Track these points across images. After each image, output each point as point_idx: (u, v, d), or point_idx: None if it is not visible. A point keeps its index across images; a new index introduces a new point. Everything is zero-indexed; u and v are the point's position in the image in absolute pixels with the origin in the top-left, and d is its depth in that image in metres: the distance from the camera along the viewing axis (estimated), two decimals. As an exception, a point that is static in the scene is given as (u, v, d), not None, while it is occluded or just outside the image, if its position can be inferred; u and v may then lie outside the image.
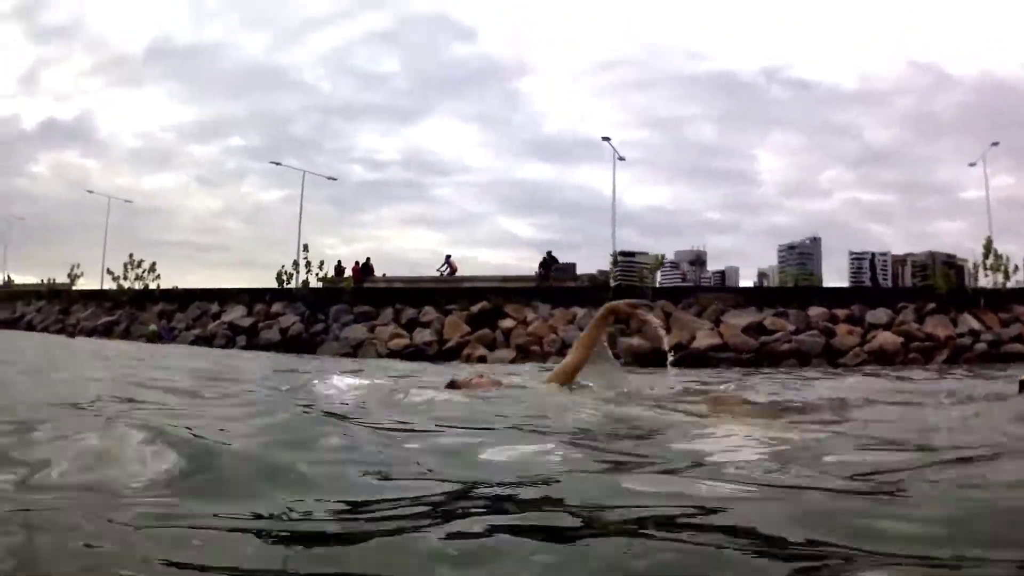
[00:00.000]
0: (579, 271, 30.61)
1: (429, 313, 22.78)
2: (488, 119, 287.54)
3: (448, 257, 29.46)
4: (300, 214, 30.61)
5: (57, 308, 34.49)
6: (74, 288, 35.18)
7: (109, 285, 32.94)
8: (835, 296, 24.84)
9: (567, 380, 4.42)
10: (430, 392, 4.24)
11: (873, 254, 40.36)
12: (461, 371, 7.34)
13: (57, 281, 36.34)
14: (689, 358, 21.12)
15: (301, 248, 26.54)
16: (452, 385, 4.54)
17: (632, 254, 54.20)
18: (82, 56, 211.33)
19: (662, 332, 5.22)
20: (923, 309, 24.18)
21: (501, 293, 22.96)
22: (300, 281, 25.98)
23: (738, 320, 22.41)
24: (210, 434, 2.32)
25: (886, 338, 22.92)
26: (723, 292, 23.85)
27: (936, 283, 26.70)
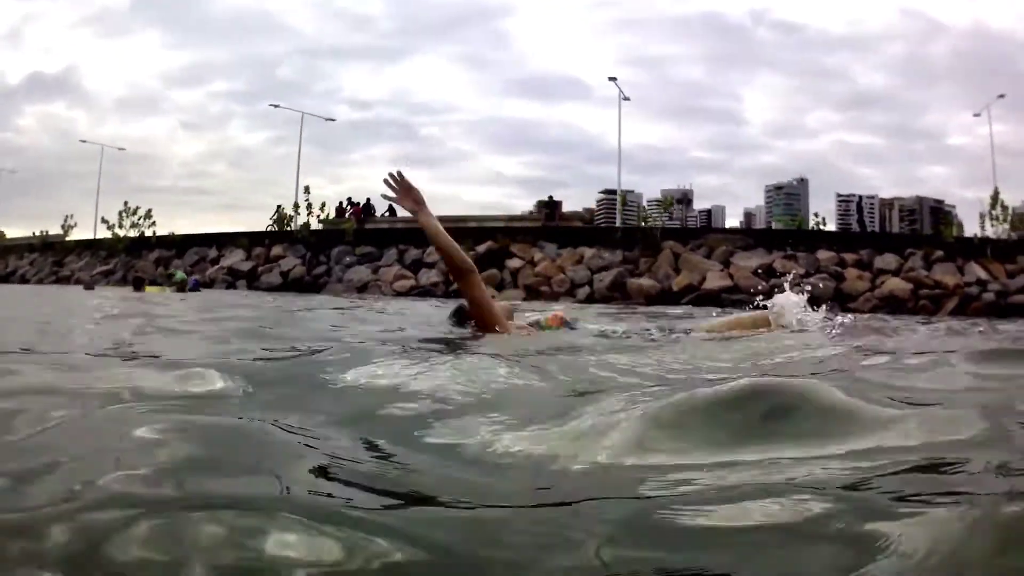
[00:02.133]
0: (565, 209, 29.91)
1: (434, 254, 22.28)
2: (473, 59, 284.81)
3: (349, 200, 27.81)
4: (299, 156, 29.97)
5: (51, 260, 33.88)
6: (67, 239, 34.47)
7: (103, 234, 32.29)
8: (843, 240, 24.59)
9: None
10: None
11: (860, 197, 39.88)
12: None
13: (50, 233, 35.58)
14: (699, 299, 20.89)
15: (302, 190, 25.94)
16: (460, 312, 3.85)
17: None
18: (68, 10, 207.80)
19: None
20: (931, 256, 24.03)
21: (506, 233, 22.52)
22: (300, 223, 25.40)
23: (748, 262, 22.09)
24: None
25: (896, 284, 22.75)
26: (732, 234, 23.49)
27: (945, 232, 26.51)
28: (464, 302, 3.85)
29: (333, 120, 38.75)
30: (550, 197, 23.51)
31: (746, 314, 4.20)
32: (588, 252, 21.39)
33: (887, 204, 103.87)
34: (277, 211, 26.84)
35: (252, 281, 24.38)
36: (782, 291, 4.35)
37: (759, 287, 21.27)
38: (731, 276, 21.67)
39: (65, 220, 34.27)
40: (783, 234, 23.34)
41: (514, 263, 21.47)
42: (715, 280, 21.42)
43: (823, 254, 23.12)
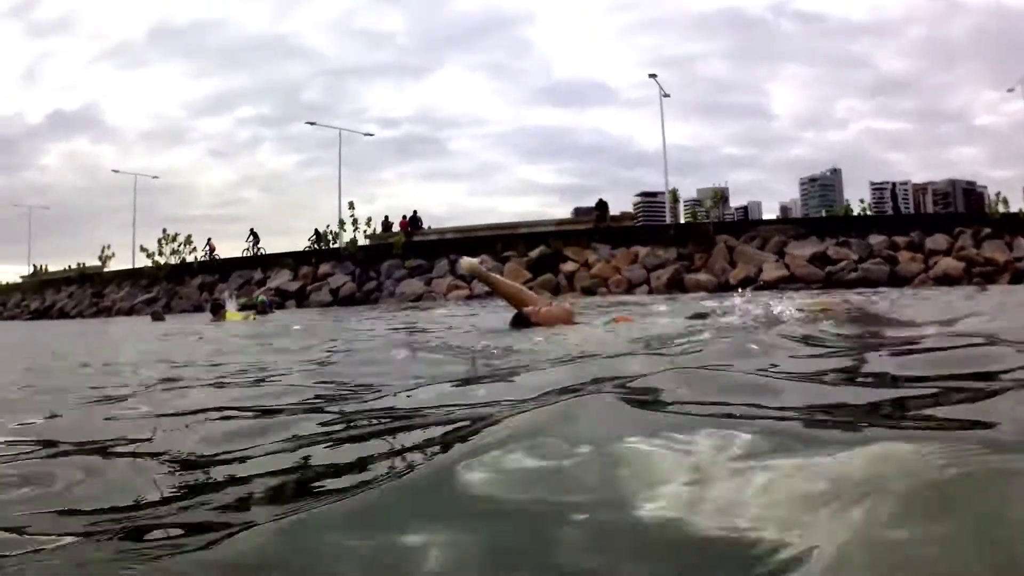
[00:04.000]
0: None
1: (486, 261, 22.23)
2: (498, 69, 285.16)
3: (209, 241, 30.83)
4: (339, 173, 30.00)
5: (90, 292, 33.99)
6: (105, 270, 34.61)
7: (141, 263, 32.43)
8: (893, 224, 24.47)
9: None
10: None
11: (894, 184, 39.66)
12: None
13: (87, 265, 35.74)
14: (758, 290, 20.77)
15: (346, 206, 25.91)
16: (519, 317, 4.11)
17: (654, 194, 53.30)
18: (84, 46, 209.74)
19: None
20: (979, 234, 23.93)
21: (558, 236, 22.46)
22: (347, 240, 25.39)
23: (802, 251, 21.98)
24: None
25: (948, 263, 22.65)
26: (783, 224, 23.37)
27: (991, 210, 26.39)
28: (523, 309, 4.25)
29: (371, 135, 38.88)
30: (600, 200, 23.48)
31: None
32: (642, 251, 21.31)
33: (920, 189, 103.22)
34: (316, 234, 26.94)
35: (301, 300, 24.39)
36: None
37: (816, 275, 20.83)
38: (787, 266, 21.54)
39: (103, 251, 34.40)
40: (834, 221, 23.19)
41: (568, 266, 21.41)
42: (772, 271, 21.29)
43: (875, 239, 22.99)
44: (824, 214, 29.17)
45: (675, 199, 22.35)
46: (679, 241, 21.44)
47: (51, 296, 36.39)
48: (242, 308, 21.90)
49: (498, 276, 4.53)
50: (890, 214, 28.15)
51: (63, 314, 33.61)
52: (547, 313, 4.11)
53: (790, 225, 23.04)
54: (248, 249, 29.93)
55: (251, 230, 29.92)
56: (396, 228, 25.58)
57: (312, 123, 32.73)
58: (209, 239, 30.79)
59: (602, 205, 23.64)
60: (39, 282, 38.66)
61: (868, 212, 24.42)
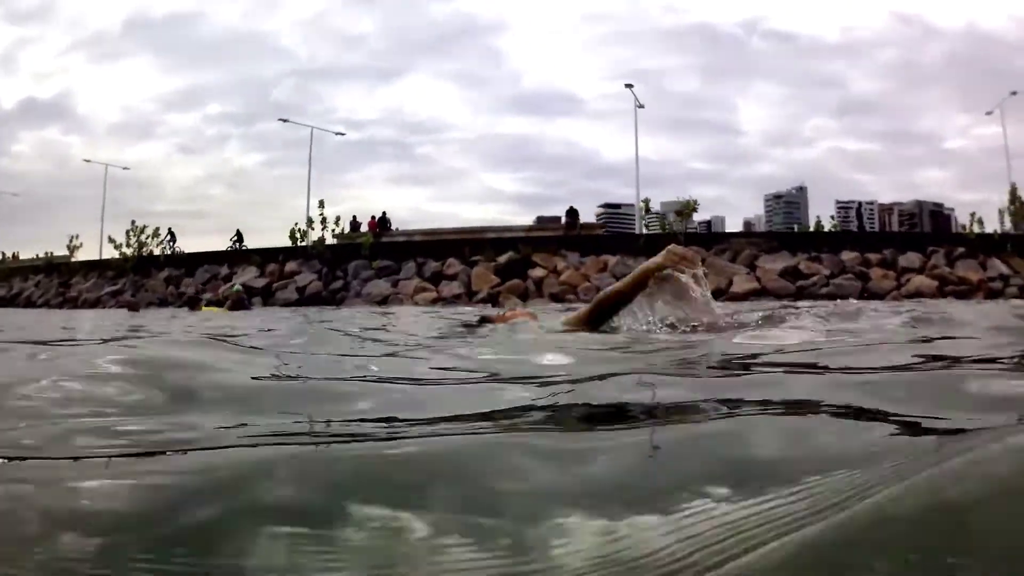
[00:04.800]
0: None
1: (454, 265, 21.96)
2: (468, 76, 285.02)
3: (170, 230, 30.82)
4: (309, 172, 29.51)
5: (57, 282, 33.34)
6: (73, 259, 33.95)
7: (109, 255, 31.80)
8: (865, 241, 24.40)
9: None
10: None
11: (859, 203, 39.81)
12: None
13: (55, 254, 35.05)
14: (728, 303, 20.58)
15: (315, 204, 25.49)
16: (486, 321, 4.16)
17: (618, 206, 53.36)
18: (60, 35, 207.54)
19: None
20: (952, 253, 23.95)
21: (527, 242, 22.15)
22: (315, 238, 24.95)
23: (773, 265, 21.82)
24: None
25: (921, 281, 22.58)
26: (755, 237, 23.20)
27: (967, 231, 26.44)
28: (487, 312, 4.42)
29: (343, 135, 38.51)
30: (571, 207, 23.17)
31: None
32: (612, 260, 21.04)
33: (886, 209, 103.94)
34: (237, 234, 26.89)
35: (267, 298, 23.92)
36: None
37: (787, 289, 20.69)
38: (758, 279, 21.36)
39: (71, 240, 33.70)
40: (806, 236, 23.05)
41: (537, 272, 21.10)
42: (743, 283, 21.11)
43: (847, 255, 22.88)
44: (796, 229, 29.11)
45: (647, 210, 22.10)
46: (648, 251, 21.16)
47: (18, 284, 35.65)
48: (214, 303, 21.49)
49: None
50: (862, 231, 28.08)
51: (30, 303, 32.91)
52: (511, 315, 4.11)
53: (762, 239, 22.86)
54: (233, 247, 29.90)
55: (237, 231, 30.28)
56: (364, 228, 25.21)
57: (284, 120, 32.26)
58: (170, 228, 30.64)
59: (573, 213, 23.35)
60: (7, 269, 37.90)
61: (838, 229, 24.24)
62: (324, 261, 23.72)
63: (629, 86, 24.42)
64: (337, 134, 35.98)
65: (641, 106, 23.99)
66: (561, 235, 22.83)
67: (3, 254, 40.41)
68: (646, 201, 22.06)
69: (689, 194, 24.24)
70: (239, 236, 30.61)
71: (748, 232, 26.62)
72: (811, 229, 27.01)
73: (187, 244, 30.41)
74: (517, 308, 4.50)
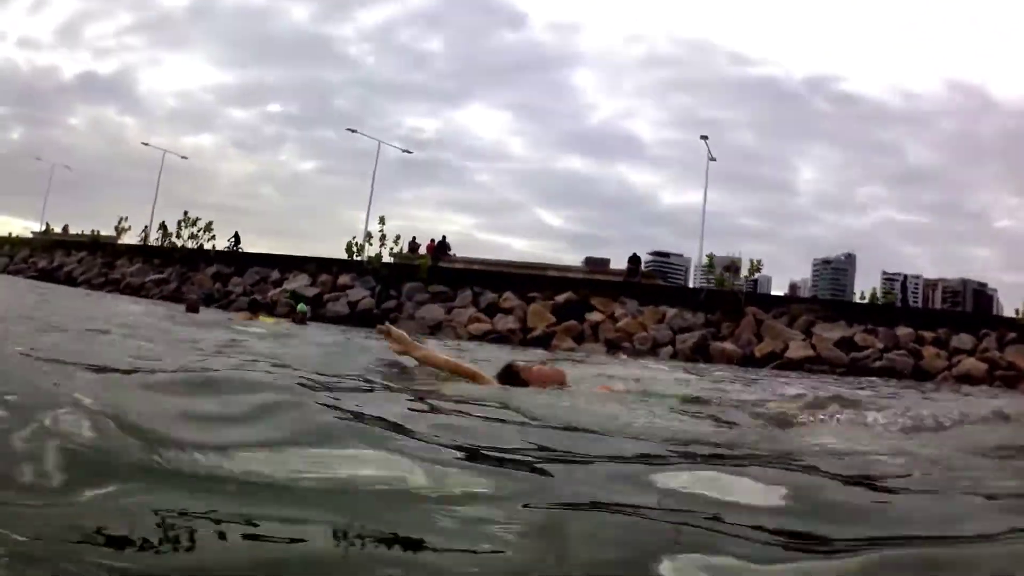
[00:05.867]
0: (613, 266, 30.74)
1: (511, 299, 21.97)
2: (530, 108, 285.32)
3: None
4: (372, 185, 29.75)
5: (100, 261, 33.59)
6: (119, 242, 34.23)
7: (157, 242, 32.06)
8: (920, 317, 24.31)
9: None
10: None
11: (905, 276, 39.61)
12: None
13: (102, 233, 35.35)
14: (782, 367, 20.48)
15: (378, 220, 25.53)
16: (509, 372, 3.87)
17: (667, 255, 53.47)
18: (125, 12, 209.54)
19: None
20: (1005, 337, 23.77)
21: (587, 285, 22.14)
22: (372, 254, 24.99)
23: (830, 333, 21.72)
24: None
25: (972, 364, 22.43)
26: (813, 303, 23.12)
27: (1019, 315, 26.25)
28: (512, 362, 4.04)
29: (410, 152, 38.88)
30: (634, 254, 23.21)
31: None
32: (670, 312, 21.01)
33: (931, 285, 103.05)
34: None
35: (316, 308, 23.96)
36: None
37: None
38: (813, 347, 21.26)
39: (119, 222, 33.98)
40: (863, 308, 22.96)
41: (595, 316, 21.07)
42: (798, 350, 21.02)
43: (901, 330, 22.75)
44: (851, 298, 28.99)
45: (711, 265, 22.04)
46: (708, 307, 21.15)
47: (60, 258, 35.93)
48: (261, 308, 21.59)
49: (433, 351, 4.16)
50: (906, 305, 27.97)
51: (70, 279, 33.16)
52: (539, 372, 3.88)
53: (819, 305, 22.77)
54: (229, 248, 30.88)
55: (236, 233, 31.38)
56: (423, 251, 25.27)
57: (353, 130, 32.41)
58: (236, 233, 31.10)
59: (635, 259, 23.36)
60: (50, 241, 38.25)
61: (897, 304, 24.14)
62: (379, 278, 23.78)
63: (704, 138, 24.54)
64: (404, 151, 36.12)
65: (713, 159, 24.07)
66: (621, 280, 22.83)
67: (47, 225, 40.81)
68: (710, 256, 22.03)
69: (739, 250, 24.23)
70: (236, 238, 31.08)
71: (805, 298, 26.50)
72: (857, 298, 26.89)
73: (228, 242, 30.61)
74: (547, 363, 4.16)
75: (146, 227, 33.90)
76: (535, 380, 3.77)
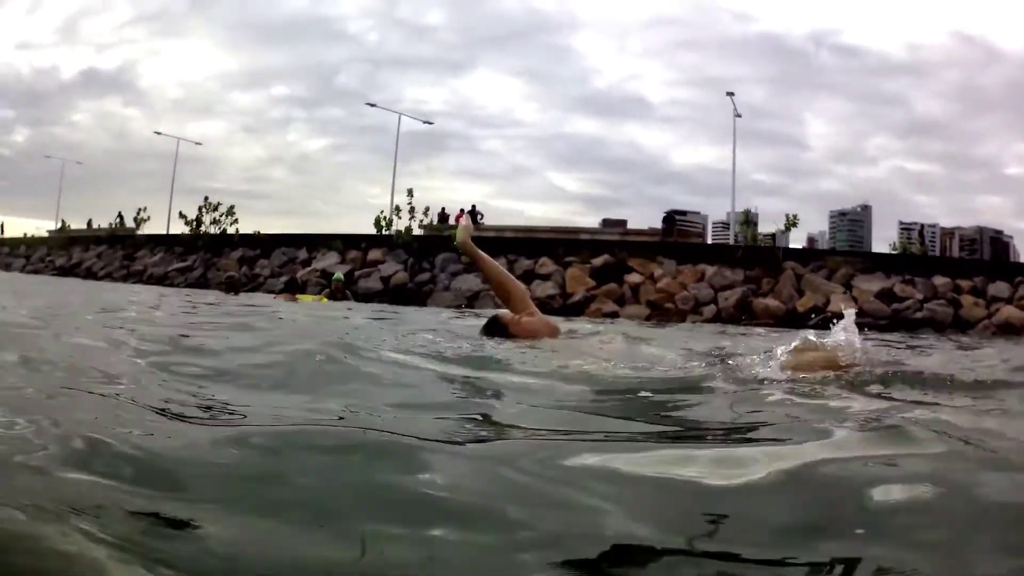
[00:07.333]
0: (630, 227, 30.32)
1: (547, 265, 21.81)
2: (536, 73, 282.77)
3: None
4: (395, 158, 29.41)
5: (121, 254, 33.43)
6: (139, 232, 34.05)
7: (176, 230, 31.87)
8: (956, 266, 24.15)
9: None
10: None
11: (922, 225, 39.40)
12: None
13: (119, 225, 35.16)
14: (825, 320, 20.37)
15: (406, 192, 25.32)
16: (496, 324, 3.66)
17: (683, 212, 53.18)
18: (124, 6, 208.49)
19: None
20: (1040, 285, 23.65)
21: (622, 247, 21.97)
22: (402, 227, 24.80)
23: (870, 285, 21.59)
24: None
25: (1011, 312, 22.30)
26: (851, 256, 22.93)
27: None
28: (500, 313, 3.81)
29: (431, 123, 38.88)
30: (669, 212, 22.93)
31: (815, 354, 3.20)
32: (709, 270, 20.85)
33: (947, 233, 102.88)
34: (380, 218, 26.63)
35: (348, 285, 23.81)
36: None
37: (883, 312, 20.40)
38: (855, 299, 21.09)
39: (138, 213, 33.79)
40: (900, 258, 22.80)
41: (633, 278, 20.91)
42: (840, 303, 20.85)
43: (939, 280, 22.62)
44: (870, 248, 28.70)
45: (747, 221, 21.82)
46: (746, 263, 20.98)
47: (78, 254, 35.77)
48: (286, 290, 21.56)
49: (487, 256, 3.87)
50: (952, 257, 27.77)
51: (90, 274, 33.01)
52: (527, 323, 3.62)
53: (858, 258, 22.59)
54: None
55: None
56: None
57: (372, 104, 32.17)
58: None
59: (670, 219, 23.15)
60: (67, 238, 38.08)
61: (930, 253, 23.96)
62: (410, 252, 23.60)
63: (731, 94, 24.31)
64: (425, 122, 35.97)
65: (739, 115, 23.84)
66: (658, 240, 22.65)
67: (63, 222, 40.60)
68: (745, 212, 21.81)
69: (755, 206, 24.03)
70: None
71: (842, 250, 26.30)
72: (887, 249, 26.70)
73: (247, 225, 30.24)
74: (535, 313, 3.75)
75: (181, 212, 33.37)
76: (523, 333, 3.54)
